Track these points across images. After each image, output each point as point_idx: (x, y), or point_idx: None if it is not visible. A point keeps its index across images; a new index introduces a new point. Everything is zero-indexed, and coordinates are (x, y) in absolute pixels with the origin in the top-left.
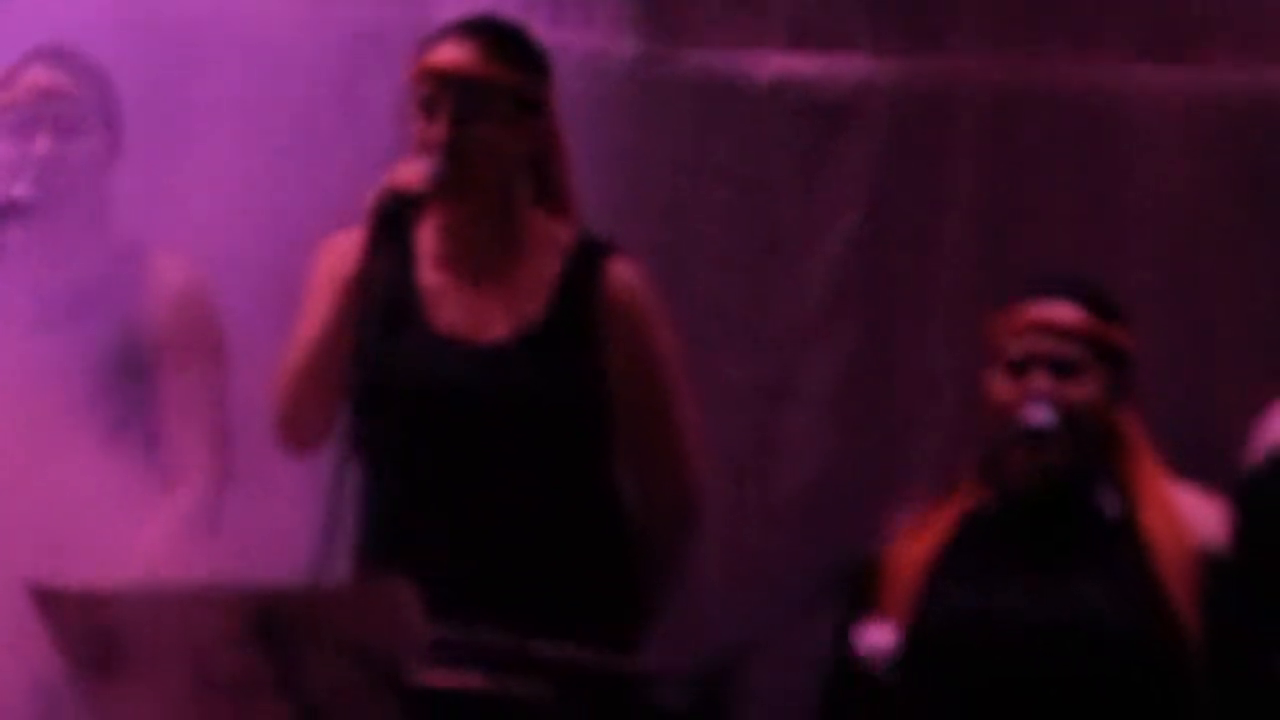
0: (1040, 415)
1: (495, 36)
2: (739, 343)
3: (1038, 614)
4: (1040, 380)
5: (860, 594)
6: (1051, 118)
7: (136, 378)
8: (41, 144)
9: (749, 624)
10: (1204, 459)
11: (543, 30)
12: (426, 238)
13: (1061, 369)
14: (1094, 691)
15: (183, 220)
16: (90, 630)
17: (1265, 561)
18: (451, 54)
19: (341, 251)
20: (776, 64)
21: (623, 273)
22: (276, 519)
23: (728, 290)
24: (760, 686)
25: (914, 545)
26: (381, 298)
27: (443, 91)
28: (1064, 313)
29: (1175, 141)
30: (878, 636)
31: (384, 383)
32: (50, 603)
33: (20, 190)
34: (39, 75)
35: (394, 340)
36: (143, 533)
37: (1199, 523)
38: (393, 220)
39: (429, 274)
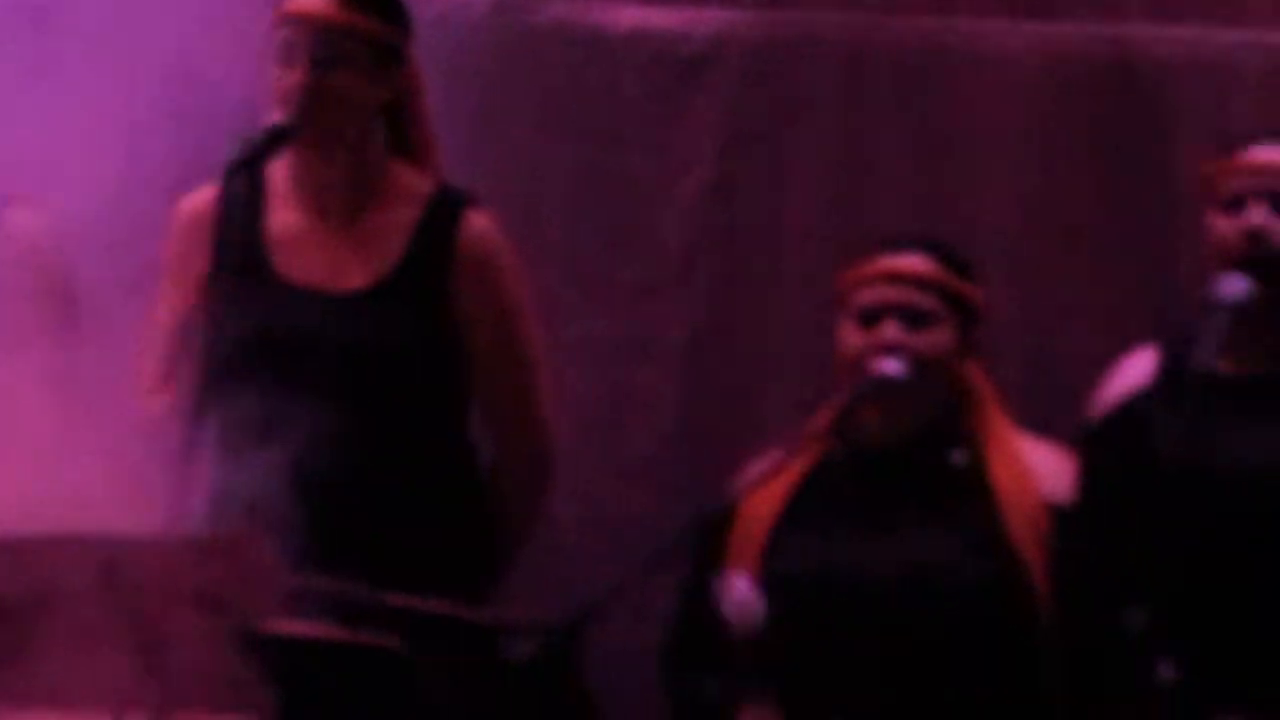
0: (890, 365)
1: None
2: (593, 296)
3: (883, 565)
4: (890, 330)
5: (711, 546)
6: (906, 72)
7: None
8: None
9: (602, 577)
10: (1053, 413)
11: None
12: (283, 186)
13: (912, 319)
14: (940, 643)
15: (33, 160)
16: None
17: (1103, 515)
18: (311, 1)
19: (196, 212)
20: (632, 16)
21: (478, 224)
22: (122, 478)
23: (582, 243)
24: (613, 640)
25: (764, 497)
26: (235, 249)
27: (301, 38)
28: (915, 263)
29: (1029, 96)
30: (744, 592)
31: (236, 334)
32: None
33: None
34: None
35: (247, 290)
36: None
37: (1048, 476)
38: (248, 169)
39: (284, 223)
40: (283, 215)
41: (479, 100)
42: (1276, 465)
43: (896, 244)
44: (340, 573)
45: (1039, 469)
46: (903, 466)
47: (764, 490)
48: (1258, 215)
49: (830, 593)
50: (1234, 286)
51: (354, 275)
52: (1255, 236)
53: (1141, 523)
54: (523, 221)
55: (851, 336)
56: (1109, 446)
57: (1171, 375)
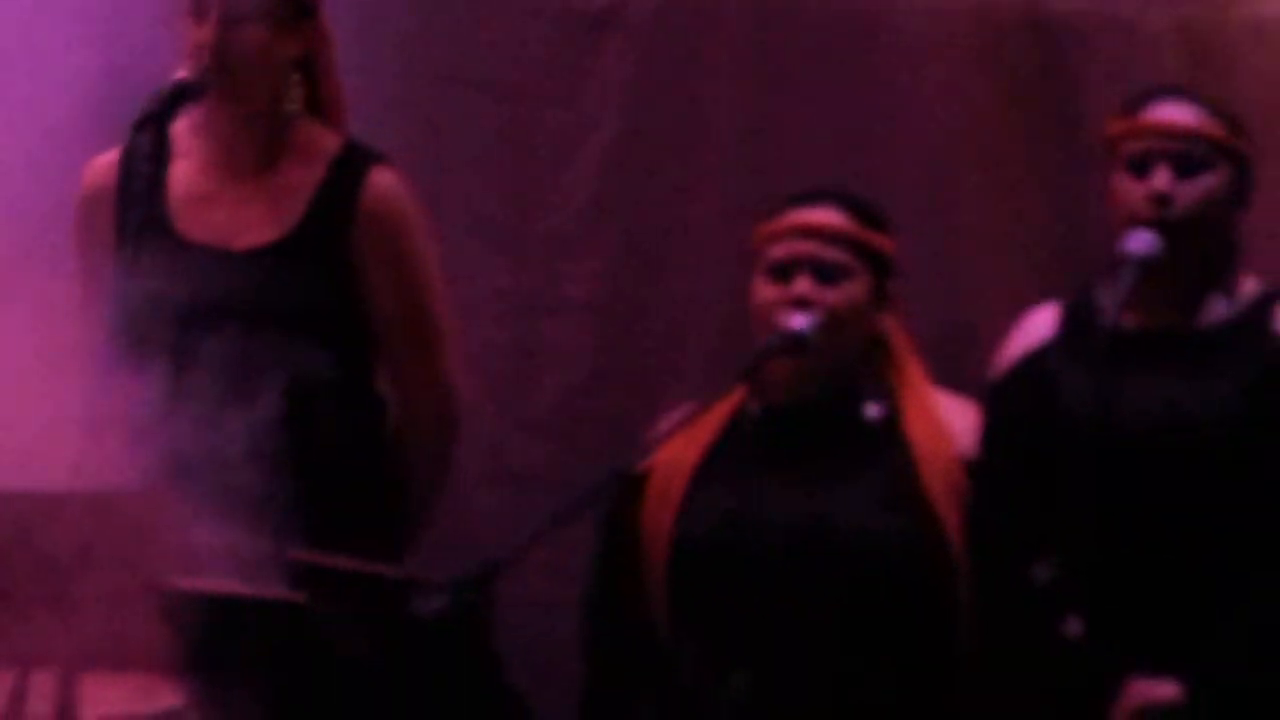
0: (798, 320)
1: None
2: (500, 251)
3: (792, 519)
4: (802, 284)
5: (627, 500)
6: (816, 29)
7: None
8: None
9: (510, 532)
10: (962, 366)
11: None
12: (188, 144)
13: (823, 273)
14: (849, 598)
15: None
16: None
17: (1007, 470)
18: None
19: (98, 176)
20: None
21: (384, 180)
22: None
23: (489, 199)
24: (522, 595)
25: (680, 450)
26: (138, 208)
27: None
28: (826, 216)
29: (940, 53)
30: None
31: (139, 294)
32: None
33: None
34: None
35: (149, 249)
36: None
37: (964, 431)
38: (154, 126)
39: (188, 181)
40: (187, 173)
41: (389, 56)
42: (1179, 419)
43: (808, 197)
44: (250, 529)
45: (955, 424)
46: (817, 421)
47: (680, 443)
48: (1161, 179)
49: (739, 547)
50: (1141, 242)
51: (256, 232)
52: (1159, 200)
53: (1046, 477)
54: (430, 177)
55: (763, 290)
56: (1013, 401)
57: (1076, 330)
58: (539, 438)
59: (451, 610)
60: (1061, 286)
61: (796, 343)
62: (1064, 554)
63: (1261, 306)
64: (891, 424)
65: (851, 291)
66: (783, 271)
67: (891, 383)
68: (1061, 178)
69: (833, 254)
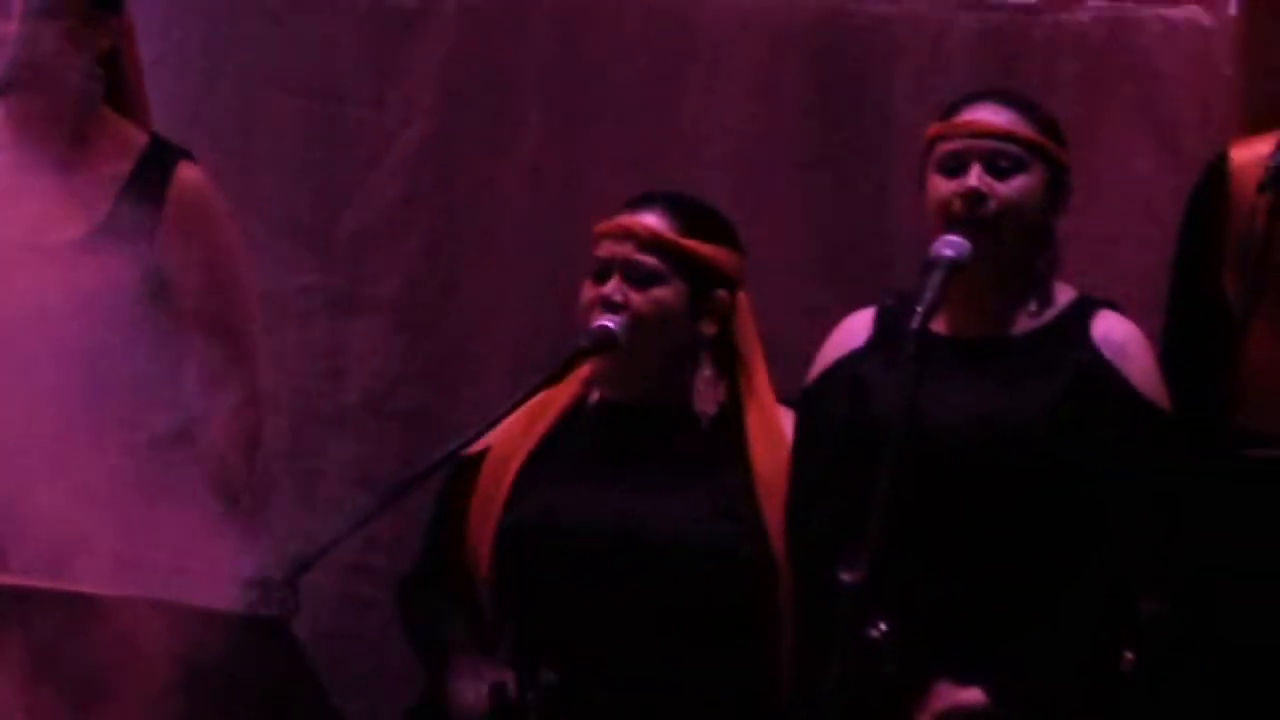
0: (605, 320)
1: None
2: (309, 250)
3: (617, 519)
4: (610, 285)
5: (458, 489)
6: (622, 28)
7: None
8: None
9: (317, 527)
10: (770, 366)
11: None
12: None
13: (634, 277)
14: (670, 601)
15: None
16: None
17: (818, 473)
18: None
19: None
20: None
21: (191, 176)
22: None
23: (298, 198)
24: (330, 591)
25: (516, 437)
26: None
27: None
28: (646, 221)
29: (746, 56)
30: None
31: None
32: None
33: None
34: None
35: None
36: None
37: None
38: None
39: None
40: None
41: (198, 50)
42: (989, 426)
43: (642, 200)
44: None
45: (789, 431)
46: (653, 422)
47: (518, 430)
48: (974, 177)
49: (557, 541)
50: (952, 246)
51: (64, 227)
52: (971, 198)
53: (857, 481)
54: (238, 175)
55: (586, 290)
56: (825, 405)
57: (888, 335)
58: (347, 433)
59: (259, 606)
60: (872, 293)
61: (604, 342)
62: (873, 557)
63: (1076, 315)
64: (730, 431)
65: (661, 296)
66: (602, 273)
67: (737, 390)
68: (868, 184)
69: (645, 259)
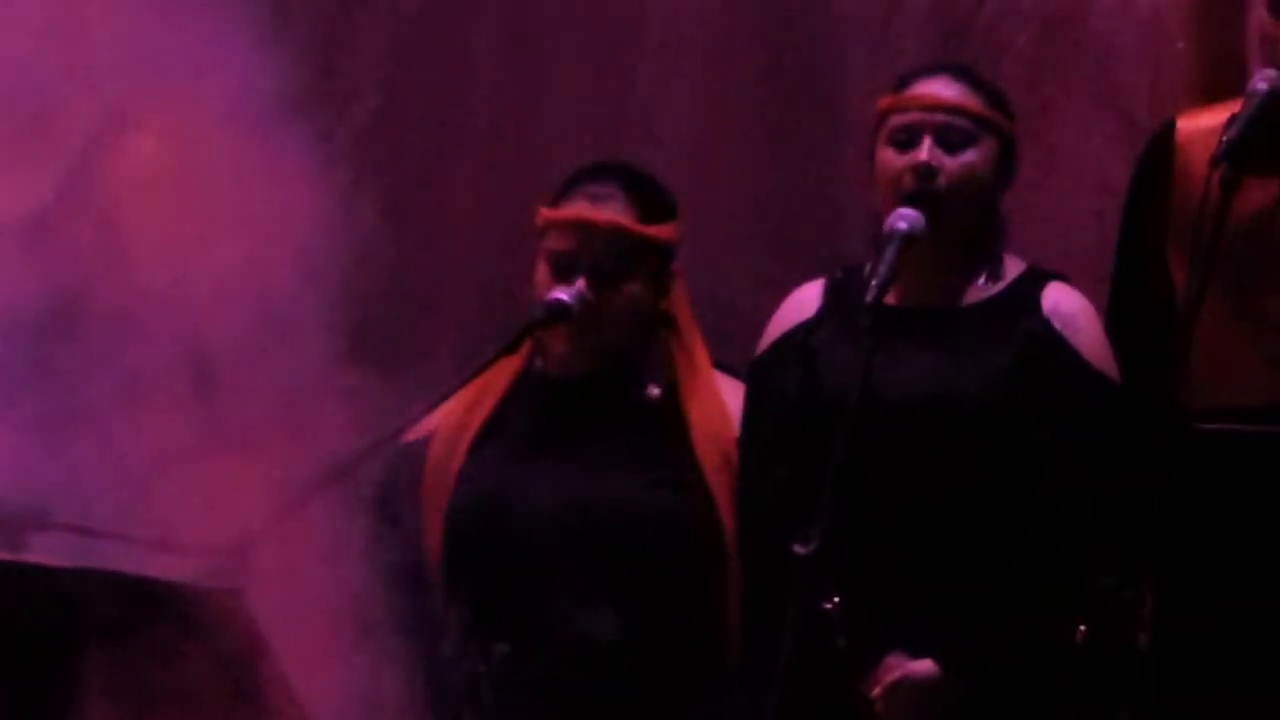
0: (562, 293)
1: None
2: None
3: (567, 493)
4: (579, 284)
5: (409, 468)
6: (569, 7)
7: None
8: None
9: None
10: (723, 346)
11: None
12: None
13: (603, 274)
14: (621, 573)
15: None
16: None
17: (768, 445)
18: None
19: None
20: None
21: None
22: None
23: None
24: (274, 572)
25: (461, 418)
26: None
27: None
28: (610, 215)
29: (697, 30)
30: None
31: None
32: None
33: None
34: None
35: None
36: None
37: (739, 412)
38: None
39: None
40: None
41: (130, 32)
42: (941, 396)
43: (595, 177)
44: None
45: (733, 406)
46: (597, 397)
47: (461, 410)
48: (925, 151)
49: (506, 518)
50: (906, 219)
51: None
52: (922, 172)
53: (808, 452)
54: None
55: (545, 282)
56: (775, 376)
57: (839, 306)
58: (281, 411)
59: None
60: (822, 264)
61: (559, 313)
62: (825, 529)
63: (1026, 286)
64: (671, 403)
65: (632, 289)
66: (564, 267)
67: (676, 361)
68: (820, 157)
69: (615, 255)
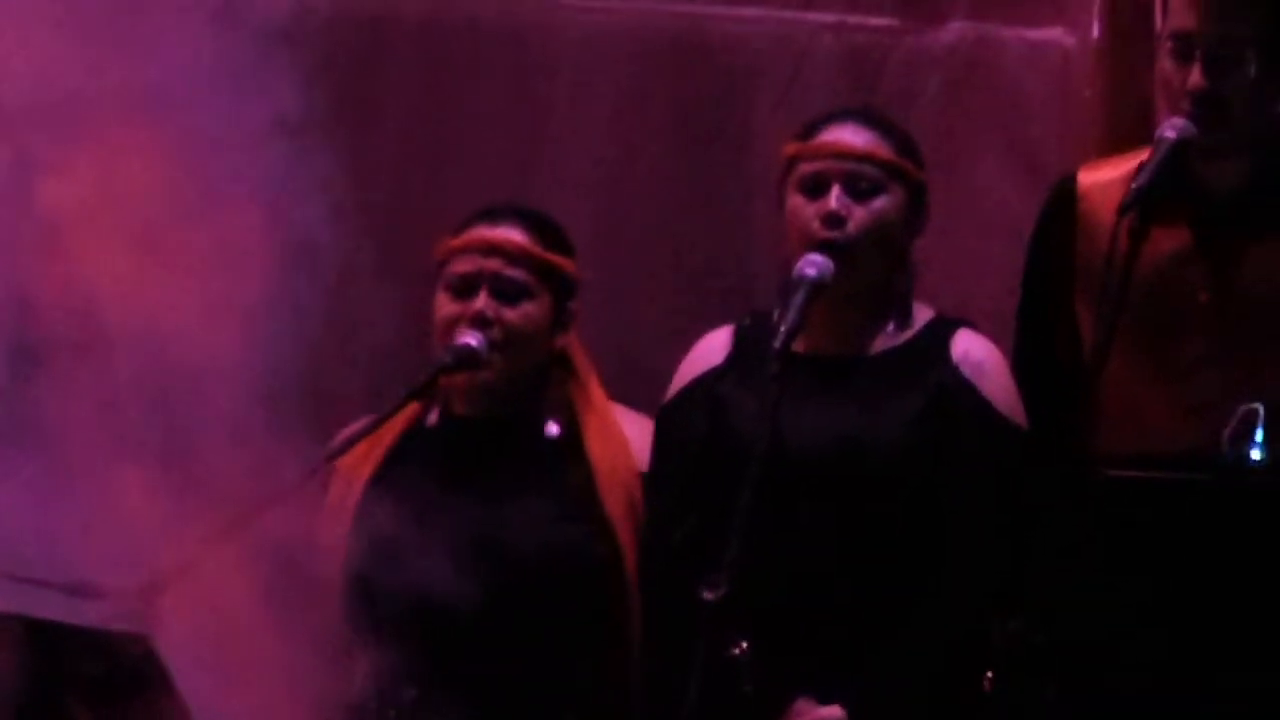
0: (472, 337)
1: None
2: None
3: (472, 533)
4: (481, 301)
5: (309, 505)
6: (481, 49)
7: None
8: None
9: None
10: (630, 392)
11: None
12: None
13: (504, 292)
14: (528, 610)
15: None
16: None
17: (677, 490)
18: None
19: None
20: None
21: None
22: None
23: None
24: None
25: (357, 462)
26: None
27: None
28: (509, 235)
29: (604, 77)
30: None
31: None
32: None
33: None
34: None
35: None
36: None
37: (640, 446)
38: None
39: None
40: None
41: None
42: (848, 443)
43: (492, 213)
44: None
45: (633, 440)
46: (497, 436)
47: (358, 455)
48: (834, 199)
49: (411, 559)
50: (814, 266)
51: None
52: (831, 220)
53: (716, 500)
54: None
55: (445, 306)
56: (683, 423)
57: (747, 354)
58: (186, 459)
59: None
60: (731, 311)
61: (469, 359)
62: (733, 576)
63: (934, 334)
64: (571, 440)
65: (531, 311)
66: (464, 288)
67: (573, 399)
68: (729, 203)
69: (514, 273)
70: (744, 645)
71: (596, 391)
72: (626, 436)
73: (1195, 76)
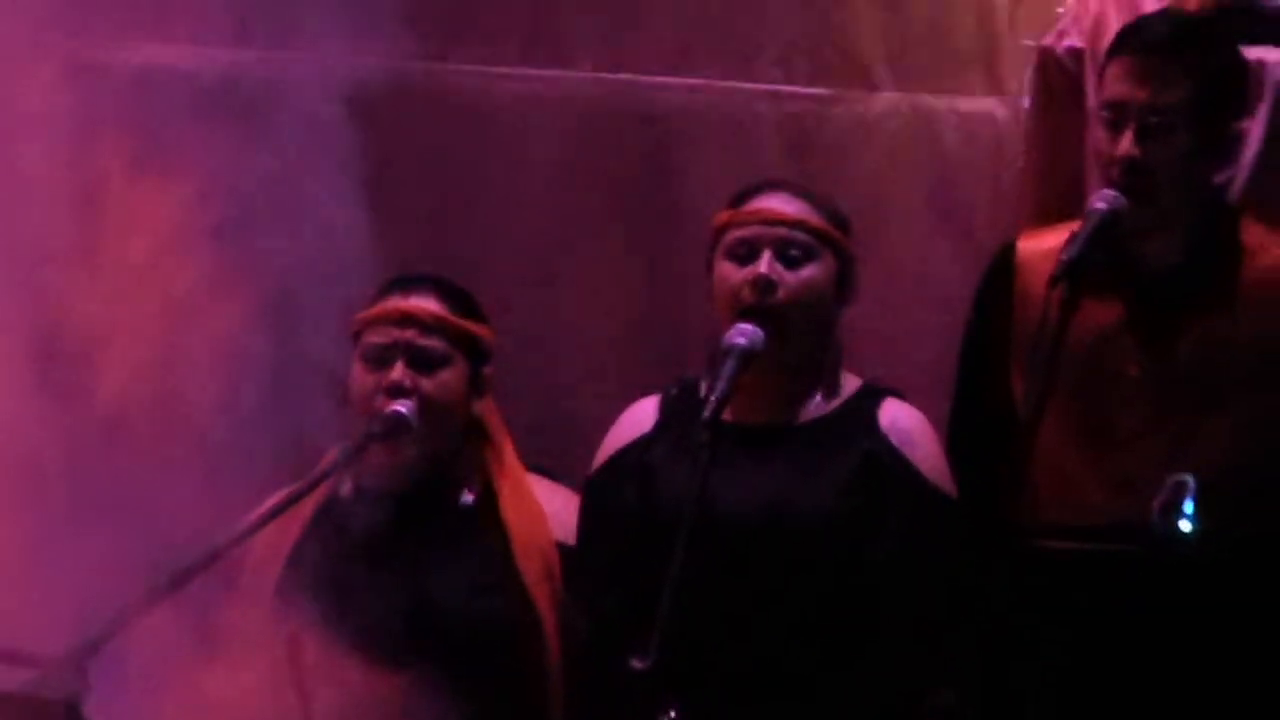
0: (401, 405)
1: None
2: None
3: (389, 606)
4: (398, 371)
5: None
6: (418, 116)
7: None
8: None
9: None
10: (558, 453)
11: None
12: None
13: (421, 361)
14: (449, 681)
15: None
16: None
17: (603, 560)
18: None
19: None
20: (146, 53)
21: None
22: None
23: None
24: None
25: (273, 538)
26: None
27: None
28: (424, 304)
29: (539, 142)
30: None
31: None
32: None
33: None
34: None
35: None
36: None
37: (555, 513)
38: None
39: None
40: None
41: None
42: (776, 512)
43: (405, 283)
44: None
45: (548, 507)
46: (412, 506)
47: (273, 531)
48: (765, 264)
49: (334, 632)
50: (744, 335)
51: None
52: (762, 285)
53: (644, 569)
54: None
55: (363, 378)
56: (611, 492)
57: (675, 422)
58: (117, 514)
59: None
60: (661, 379)
61: (399, 426)
62: (663, 644)
63: (862, 402)
64: (487, 508)
65: (448, 379)
66: (381, 359)
67: (488, 467)
68: (662, 270)
69: (430, 342)
70: (673, 714)
71: (511, 457)
72: (541, 504)
73: (1125, 144)
